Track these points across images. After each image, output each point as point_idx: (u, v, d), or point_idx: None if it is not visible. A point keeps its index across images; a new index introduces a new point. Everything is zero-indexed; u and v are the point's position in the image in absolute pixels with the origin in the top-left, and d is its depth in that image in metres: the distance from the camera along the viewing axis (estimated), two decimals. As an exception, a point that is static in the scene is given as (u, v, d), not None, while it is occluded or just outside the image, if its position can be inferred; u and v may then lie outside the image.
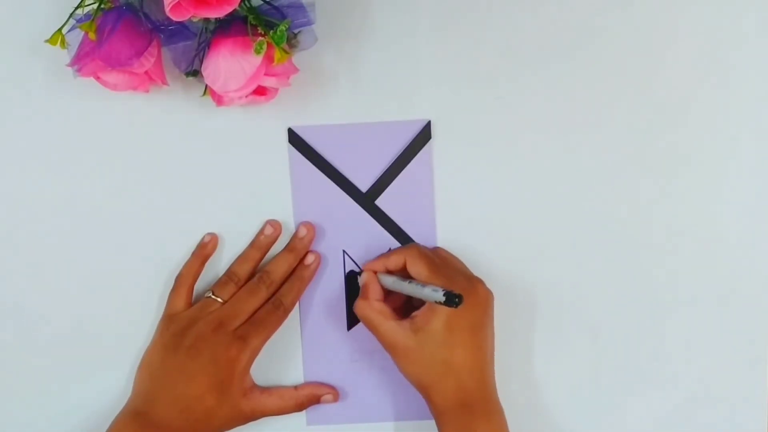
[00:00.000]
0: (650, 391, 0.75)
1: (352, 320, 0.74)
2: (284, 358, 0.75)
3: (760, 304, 0.74)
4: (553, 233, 0.74)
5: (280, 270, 0.72)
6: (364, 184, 0.73)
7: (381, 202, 0.74)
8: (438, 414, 0.68)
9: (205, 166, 0.73)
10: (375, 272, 0.71)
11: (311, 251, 0.73)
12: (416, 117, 0.73)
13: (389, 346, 0.69)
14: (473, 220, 0.74)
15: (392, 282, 0.70)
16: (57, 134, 0.73)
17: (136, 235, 0.74)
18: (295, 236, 0.73)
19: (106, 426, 0.69)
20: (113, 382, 0.74)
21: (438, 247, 0.74)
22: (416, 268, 0.69)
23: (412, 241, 0.74)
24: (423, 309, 0.68)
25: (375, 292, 0.70)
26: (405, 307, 0.72)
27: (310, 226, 0.73)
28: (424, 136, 0.73)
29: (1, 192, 0.74)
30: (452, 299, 0.63)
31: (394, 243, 0.74)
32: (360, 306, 0.70)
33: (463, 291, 0.65)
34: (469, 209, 0.74)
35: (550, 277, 0.74)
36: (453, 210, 0.74)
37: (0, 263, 0.74)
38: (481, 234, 0.74)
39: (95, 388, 0.75)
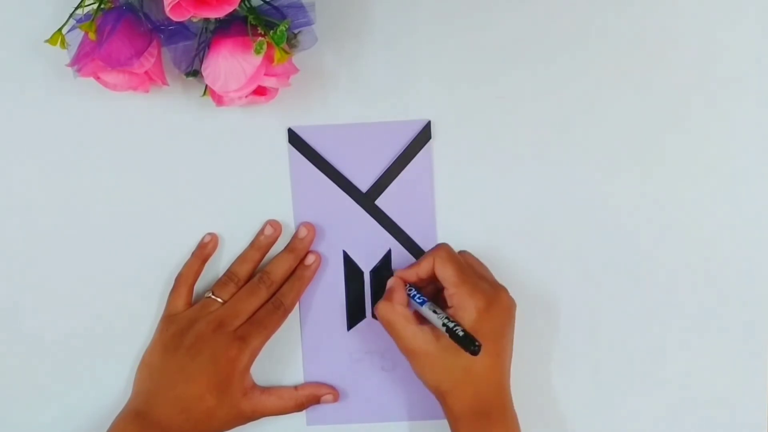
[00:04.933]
0: (650, 392, 0.75)
1: (353, 320, 0.74)
2: (284, 358, 0.75)
3: (760, 304, 0.74)
4: (553, 234, 0.74)
5: (280, 270, 0.72)
6: (364, 185, 0.73)
7: (381, 202, 0.74)
8: (454, 419, 0.68)
9: (205, 166, 0.73)
10: (404, 282, 0.71)
11: (311, 251, 0.73)
12: (416, 117, 0.73)
13: (408, 351, 0.69)
14: (473, 220, 0.74)
15: (420, 308, 0.69)
16: (57, 134, 0.73)
17: (136, 235, 0.74)
18: (295, 237, 0.73)
19: (107, 426, 0.69)
20: (113, 383, 0.74)
21: (465, 251, 0.74)
22: (444, 271, 0.69)
23: (413, 241, 0.73)
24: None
25: (399, 297, 0.70)
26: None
27: (310, 226, 0.73)
28: (424, 136, 0.73)
29: (0, 192, 0.74)
30: (469, 345, 0.63)
31: (394, 243, 0.74)
32: (382, 308, 0.70)
33: (487, 298, 0.67)
34: (470, 209, 0.74)
35: (548, 278, 0.74)
36: (453, 210, 0.74)
37: None
38: (481, 234, 0.74)
39: (95, 388, 0.75)
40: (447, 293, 0.69)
